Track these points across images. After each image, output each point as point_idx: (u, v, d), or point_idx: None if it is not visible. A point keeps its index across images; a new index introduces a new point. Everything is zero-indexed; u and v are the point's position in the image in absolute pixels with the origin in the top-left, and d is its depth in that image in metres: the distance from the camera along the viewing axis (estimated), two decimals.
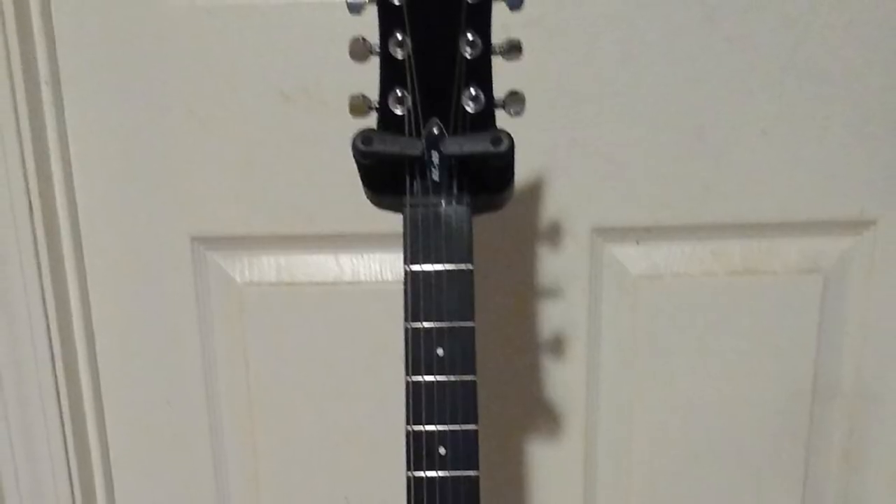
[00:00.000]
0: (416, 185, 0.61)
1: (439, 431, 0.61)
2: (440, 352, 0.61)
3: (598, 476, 0.97)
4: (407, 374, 0.62)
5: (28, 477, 0.93)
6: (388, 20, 0.59)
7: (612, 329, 0.93)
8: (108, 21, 0.85)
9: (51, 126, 0.87)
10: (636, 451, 0.96)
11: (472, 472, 0.62)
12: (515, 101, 0.61)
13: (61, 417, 0.92)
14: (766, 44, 0.84)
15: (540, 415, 0.95)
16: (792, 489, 0.96)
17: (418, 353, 0.61)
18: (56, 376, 0.91)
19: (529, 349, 0.93)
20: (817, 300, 0.91)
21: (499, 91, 0.60)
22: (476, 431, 0.62)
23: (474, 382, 0.61)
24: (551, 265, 0.91)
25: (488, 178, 0.61)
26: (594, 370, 0.94)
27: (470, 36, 0.58)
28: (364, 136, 0.59)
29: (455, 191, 0.61)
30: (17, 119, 0.84)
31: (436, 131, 0.60)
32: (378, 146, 0.59)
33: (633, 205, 0.89)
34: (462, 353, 0.61)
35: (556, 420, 0.95)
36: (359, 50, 0.59)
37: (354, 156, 0.60)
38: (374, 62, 0.60)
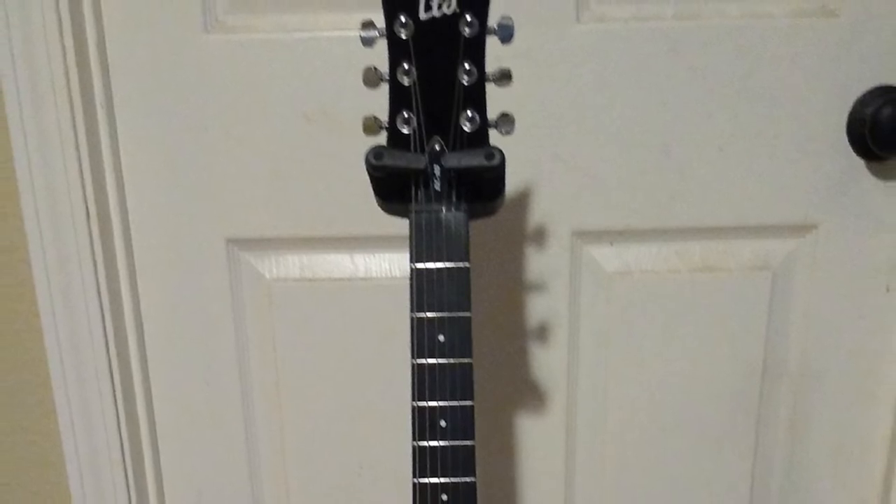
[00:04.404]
0: (421, 193, 0.61)
1: (440, 407, 0.62)
2: (441, 338, 0.61)
3: (578, 445, 0.97)
4: (412, 357, 0.62)
5: (86, 447, 0.93)
6: (397, 52, 0.59)
7: (589, 319, 0.93)
8: (155, 52, 0.85)
9: (105, 143, 0.87)
10: (611, 423, 0.96)
11: (468, 442, 0.62)
12: (506, 121, 0.61)
13: (114, 395, 0.92)
14: (723, 72, 0.84)
15: (527, 392, 0.95)
16: (744, 456, 0.97)
17: (422, 339, 0.61)
18: (110, 360, 0.91)
19: (518, 336, 0.93)
20: (767, 293, 0.91)
21: (492, 113, 0.60)
22: (472, 407, 0.62)
23: (470, 364, 0.62)
24: (537, 263, 0.91)
25: (483, 188, 0.62)
26: (574, 354, 0.94)
27: (467, 66, 0.59)
28: (376, 152, 0.59)
29: (454, 199, 0.61)
30: (75, 137, 0.84)
31: (437, 148, 0.60)
32: (388, 160, 0.59)
33: (608, 211, 0.89)
34: (460, 339, 0.61)
35: (541, 397, 0.95)
36: (371, 78, 0.60)
37: (367, 169, 0.60)
38: (384, 88, 0.60)
